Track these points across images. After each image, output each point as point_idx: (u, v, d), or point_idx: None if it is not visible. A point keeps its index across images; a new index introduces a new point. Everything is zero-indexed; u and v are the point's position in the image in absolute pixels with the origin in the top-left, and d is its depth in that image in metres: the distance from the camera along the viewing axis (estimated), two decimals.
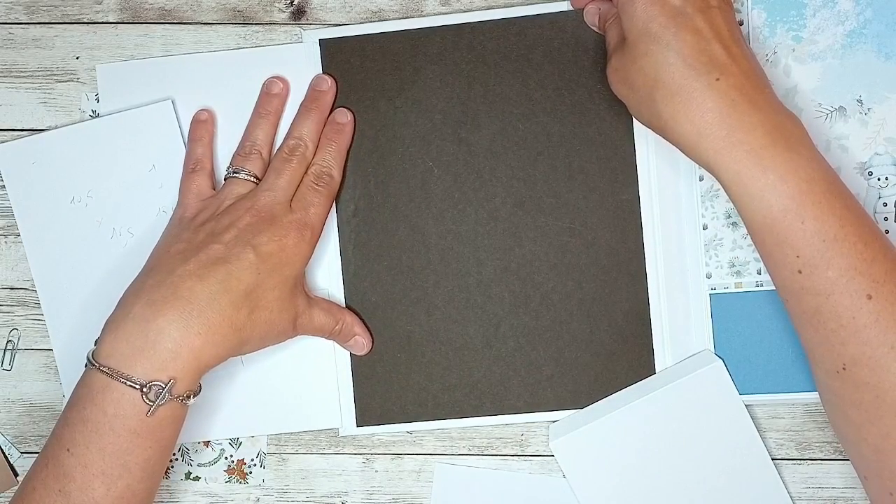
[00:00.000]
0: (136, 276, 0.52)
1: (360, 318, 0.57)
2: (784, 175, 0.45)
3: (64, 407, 0.50)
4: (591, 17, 0.55)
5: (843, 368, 0.46)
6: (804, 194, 0.45)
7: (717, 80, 0.46)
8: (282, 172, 0.54)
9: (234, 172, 0.55)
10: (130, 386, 0.47)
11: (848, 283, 0.45)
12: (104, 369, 0.48)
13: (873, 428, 0.46)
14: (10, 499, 0.58)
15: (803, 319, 0.47)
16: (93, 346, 0.50)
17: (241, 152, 0.56)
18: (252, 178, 0.55)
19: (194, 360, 0.48)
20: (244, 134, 0.57)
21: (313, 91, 0.56)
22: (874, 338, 0.45)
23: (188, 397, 0.49)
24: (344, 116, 0.56)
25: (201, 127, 0.57)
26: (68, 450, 0.48)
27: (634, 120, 0.55)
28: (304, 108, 0.56)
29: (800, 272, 0.46)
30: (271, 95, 0.56)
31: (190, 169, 0.57)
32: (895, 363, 0.45)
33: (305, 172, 0.55)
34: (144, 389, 0.47)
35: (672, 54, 0.46)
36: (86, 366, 0.50)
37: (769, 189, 0.45)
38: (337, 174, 0.56)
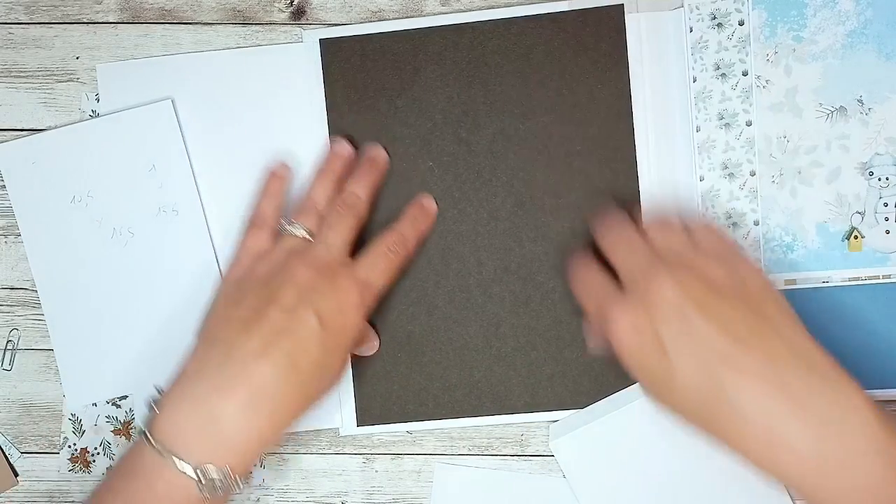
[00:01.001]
0: (196, 341, 0.51)
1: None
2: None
3: (110, 472, 0.50)
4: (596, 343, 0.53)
5: None
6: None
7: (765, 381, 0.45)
8: (337, 227, 0.54)
9: (289, 226, 0.54)
10: (183, 471, 0.47)
11: None
12: (160, 447, 0.47)
13: None
14: (10, 500, 0.60)
15: None
16: (147, 412, 0.50)
17: (299, 207, 0.56)
18: (307, 234, 0.54)
19: (258, 444, 0.48)
20: (307, 191, 0.56)
21: (368, 157, 0.57)
22: None
23: (239, 483, 0.49)
24: (431, 204, 0.57)
25: (276, 182, 0.57)
26: None
27: (635, 119, 0.56)
28: (361, 169, 0.56)
29: None
30: (337, 156, 0.57)
31: (253, 224, 0.56)
32: None
33: (381, 239, 0.55)
34: (199, 475, 0.47)
35: (697, 370, 0.46)
36: (140, 433, 0.49)
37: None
38: (411, 249, 0.56)
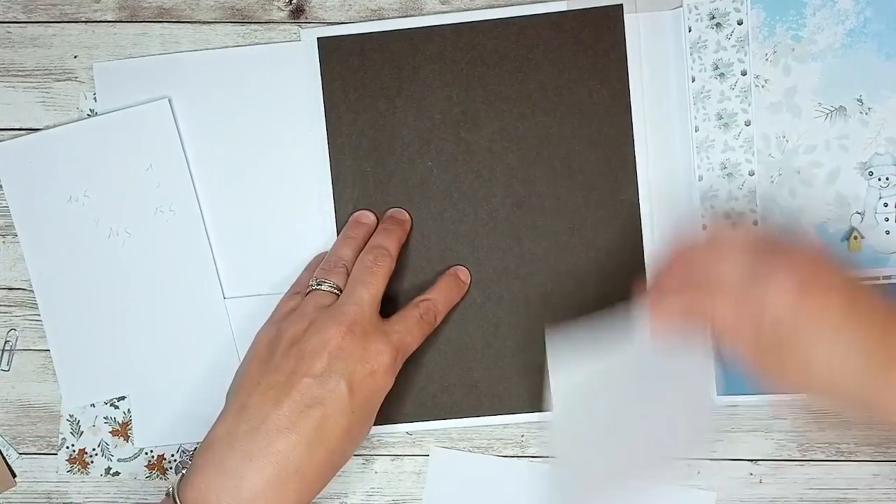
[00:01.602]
0: (228, 402, 0.52)
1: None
2: None
3: None
4: (671, 315, 0.50)
5: None
6: None
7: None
8: (367, 285, 0.54)
9: (317, 284, 0.55)
10: None
11: None
12: None
13: None
14: (8, 501, 0.61)
15: None
16: (177, 478, 0.51)
17: (326, 266, 0.56)
18: (335, 291, 0.54)
19: None
20: (330, 252, 0.57)
21: (393, 217, 0.58)
22: None
23: None
24: (466, 276, 0.58)
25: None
26: None
27: (634, 119, 0.58)
28: (386, 224, 0.58)
29: None
30: (360, 224, 0.58)
31: (292, 289, 0.57)
32: None
33: (414, 306, 0.55)
34: None
35: (860, 352, 0.45)
36: (168, 494, 0.50)
37: None
38: (443, 313, 0.57)
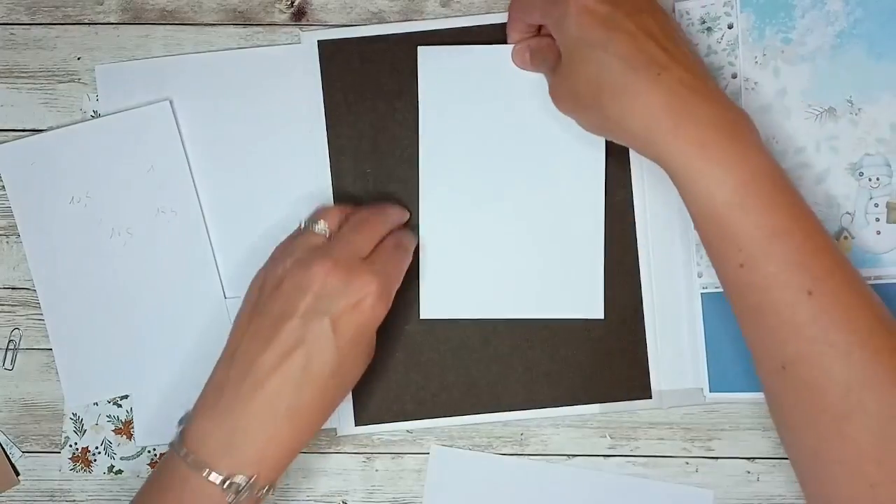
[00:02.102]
0: (221, 354, 0.55)
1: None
2: (729, 168, 0.48)
3: (144, 484, 0.54)
4: (521, 54, 0.59)
5: (783, 368, 0.48)
6: (748, 187, 0.48)
7: (659, 75, 0.49)
8: (359, 229, 0.56)
9: (308, 225, 0.57)
10: (211, 482, 0.51)
11: (789, 278, 0.47)
12: (188, 460, 0.51)
13: (811, 431, 0.48)
14: (11, 499, 0.62)
15: (745, 316, 0.50)
16: (177, 427, 0.54)
17: (321, 209, 0.59)
18: (327, 232, 0.56)
19: (283, 454, 0.52)
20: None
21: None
22: (814, 335, 0.47)
23: (267, 491, 0.53)
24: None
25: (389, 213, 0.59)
26: None
27: None
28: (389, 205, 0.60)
29: (741, 266, 0.48)
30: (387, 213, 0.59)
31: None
32: (834, 362, 0.47)
33: (386, 242, 0.57)
34: (225, 486, 0.51)
35: (611, 56, 0.50)
36: (170, 445, 0.54)
37: (714, 181, 0.48)
38: (411, 249, 0.58)
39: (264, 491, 0.53)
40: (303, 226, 0.58)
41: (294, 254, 0.55)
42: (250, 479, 0.51)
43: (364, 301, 0.53)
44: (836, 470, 0.47)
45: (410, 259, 0.59)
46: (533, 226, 0.60)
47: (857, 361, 0.47)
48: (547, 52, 0.57)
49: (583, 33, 0.51)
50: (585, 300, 0.60)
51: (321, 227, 0.57)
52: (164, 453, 0.55)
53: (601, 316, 0.60)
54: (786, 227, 0.48)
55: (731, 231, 0.49)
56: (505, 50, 0.60)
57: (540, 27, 0.58)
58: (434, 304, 0.61)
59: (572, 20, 0.51)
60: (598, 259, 0.60)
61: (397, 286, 0.56)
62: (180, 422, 0.55)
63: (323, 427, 0.61)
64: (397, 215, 0.60)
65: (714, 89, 0.51)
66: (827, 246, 0.49)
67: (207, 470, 0.51)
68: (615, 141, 0.54)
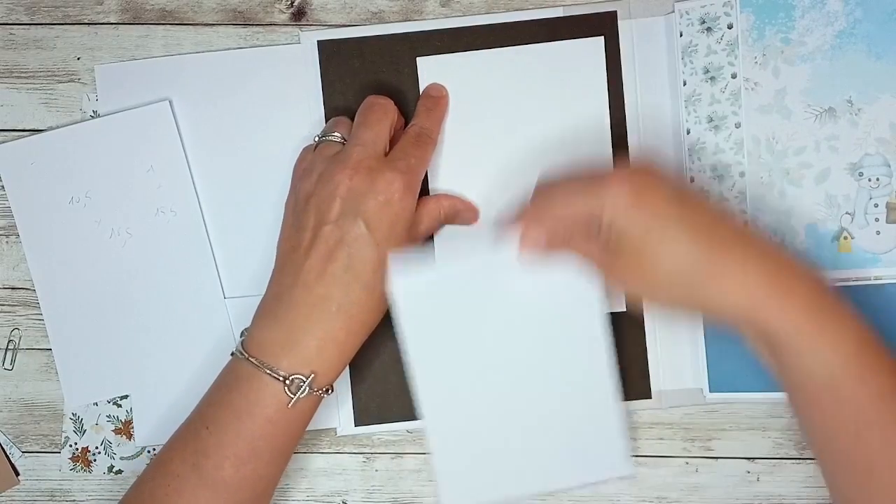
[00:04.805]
0: (272, 272, 0.58)
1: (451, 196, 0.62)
2: (840, 331, 0.49)
3: (208, 389, 0.57)
4: (534, 243, 0.54)
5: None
6: (861, 350, 0.49)
7: (747, 248, 0.50)
8: (369, 126, 0.58)
9: (323, 136, 0.59)
10: (274, 377, 0.54)
11: None
12: (252, 360, 0.55)
13: None
14: (11, 499, 0.64)
15: (853, 477, 0.50)
16: (239, 338, 0.58)
17: (331, 121, 0.61)
18: (341, 140, 0.59)
19: (338, 353, 0.56)
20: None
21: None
22: None
23: (325, 392, 0.56)
24: (439, 91, 0.62)
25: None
26: (207, 428, 0.55)
27: (627, 122, 0.61)
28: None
29: (856, 434, 0.49)
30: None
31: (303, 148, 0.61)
32: None
33: (406, 133, 0.59)
34: (287, 382, 0.54)
35: (690, 243, 0.50)
36: (232, 354, 0.57)
37: (829, 347, 0.49)
38: (435, 137, 0.60)
39: (323, 391, 0.56)
40: (318, 139, 0.60)
41: (316, 168, 0.58)
42: (309, 377, 0.55)
43: (392, 197, 0.56)
44: None
45: (434, 143, 0.61)
46: (542, 396, 0.58)
47: None
48: (580, 241, 0.54)
49: (649, 224, 0.51)
50: (611, 458, 0.59)
51: (336, 136, 0.59)
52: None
53: (632, 472, 0.59)
54: (891, 386, 0.50)
55: (851, 397, 0.49)
56: (480, 263, 0.56)
57: None
58: (455, 495, 0.59)
59: (633, 214, 0.51)
60: (615, 415, 0.58)
61: (423, 173, 0.59)
62: (241, 334, 0.58)
63: (323, 427, 0.63)
64: (437, 119, 0.62)
65: (784, 250, 0.52)
66: None
67: (270, 368, 0.54)
68: (694, 313, 0.56)
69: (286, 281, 0.56)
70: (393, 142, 0.59)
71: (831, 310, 0.50)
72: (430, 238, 0.63)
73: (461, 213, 0.62)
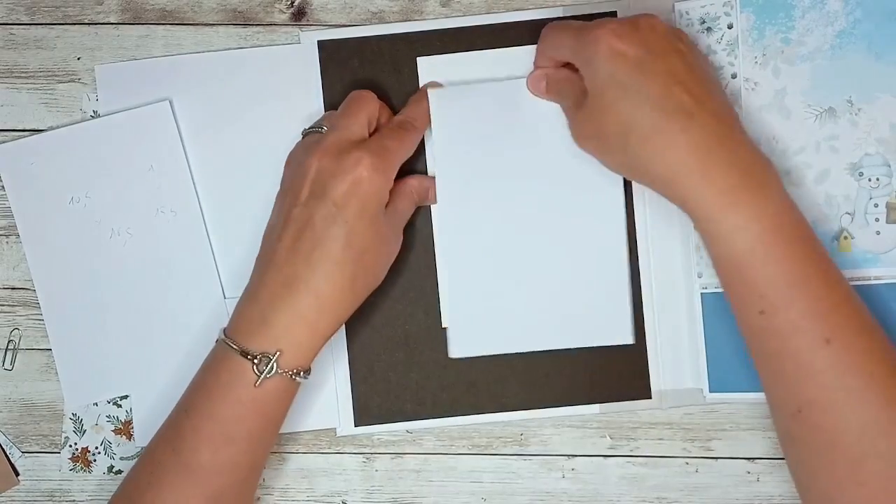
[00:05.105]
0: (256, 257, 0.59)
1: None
2: (753, 216, 0.50)
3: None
4: (538, 82, 0.60)
5: (799, 411, 0.51)
6: (771, 236, 0.50)
7: (689, 120, 0.51)
8: (346, 115, 0.59)
9: (308, 129, 0.60)
10: (243, 356, 0.55)
11: (808, 325, 0.50)
12: (227, 341, 0.56)
13: (825, 474, 0.51)
14: (11, 499, 0.64)
15: (763, 361, 0.53)
16: (223, 326, 0.58)
17: (323, 114, 0.62)
18: (323, 129, 0.59)
19: (308, 332, 0.56)
20: None
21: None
22: (830, 382, 0.50)
23: (297, 374, 0.56)
24: (435, 85, 0.62)
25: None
26: (186, 411, 0.56)
27: None
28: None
29: (762, 313, 0.51)
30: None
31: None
32: (850, 409, 0.49)
33: (390, 122, 0.60)
34: (255, 361, 0.54)
35: (641, 100, 0.52)
36: (216, 341, 0.57)
37: (738, 229, 0.50)
38: (420, 126, 0.61)
39: (294, 373, 0.56)
40: (304, 130, 0.61)
41: (296, 157, 0.59)
42: (275, 356, 0.55)
43: (360, 175, 0.56)
44: None
45: (418, 133, 0.61)
46: (555, 254, 0.62)
47: (873, 407, 0.49)
48: (567, 86, 0.58)
49: (613, 76, 0.53)
50: (614, 326, 0.62)
51: (321, 128, 0.59)
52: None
53: (631, 341, 0.62)
54: (806, 275, 0.51)
55: (753, 278, 0.51)
56: (514, 84, 0.62)
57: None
58: (462, 343, 0.62)
59: (603, 62, 0.53)
60: (624, 284, 0.61)
61: (399, 157, 0.59)
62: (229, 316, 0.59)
63: (323, 427, 0.64)
64: (424, 110, 0.62)
65: (740, 136, 0.53)
66: (846, 295, 0.51)
67: (240, 347, 0.55)
68: (635, 181, 0.57)
69: (261, 263, 0.57)
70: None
71: (754, 192, 0.50)
72: (431, 240, 0.63)
73: (430, 189, 0.62)
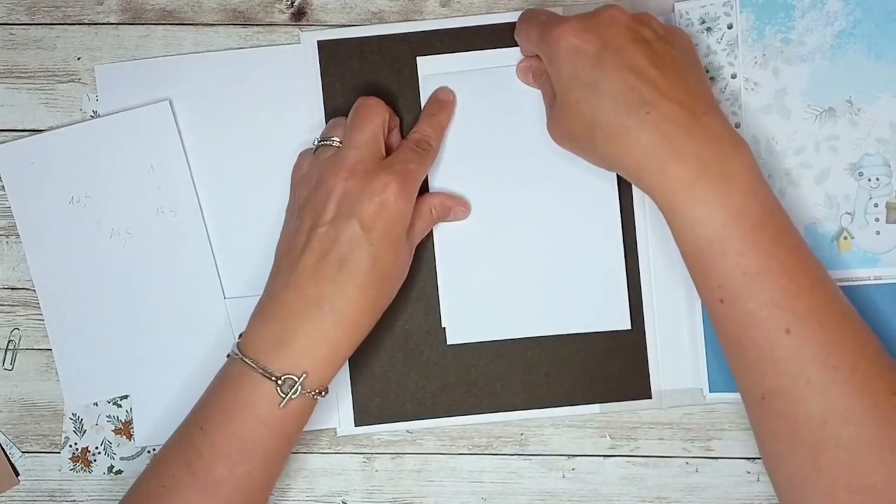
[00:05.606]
0: (270, 272, 0.59)
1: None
2: (713, 208, 0.50)
3: (205, 390, 0.57)
4: (524, 73, 0.62)
5: (763, 398, 0.51)
6: (729, 228, 0.50)
7: (648, 113, 0.51)
8: (362, 128, 0.58)
9: (321, 141, 0.60)
10: (266, 377, 0.54)
11: (766, 316, 0.50)
12: (245, 360, 0.55)
13: (787, 459, 0.51)
14: (11, 499, 0.64)
15: (727, 347, 0.53)
16: (236, 340, 0.58)
17: (329, 124, 0.61)
18: (339, 143, 0.59)
19: (331, 353, 0.56)
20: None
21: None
22: (791, 371, 0.50)
23: (319, 393, 0.56)
24: (447, 95, 0.63)
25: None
26: (201, 428, 0.56)
27: None
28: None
29: (721, 301, 0.51)
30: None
31: (300, 154, 0.62)
32: (811, 398, 0.50)
33: (404, 139, 0.61)
34: (279, 382, 0.54)
35: (602, 96, 0.52)
36: (228, 356, 0.57)
37: (697, 221, 0.51)
38: (436, 145, 0.61)
39: (316, 393, 0.56)
40: (316, 143, 0.61)
41: (313, 173, 0.59)
42: (301, 377, 0.55)
43: (387, 199, 0.56)
44: (811, 498, 0.51)
45: (434, 151, 0.61)
46: (552, 241, 0.62)
47: (835, 397, 0.50)
48: (546, 82, 0.59)
49: (573, 73, 0.54)
50: (611, 311, 0.62)
51: (333, 140, 0.59)
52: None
53: (628, 326, 0.62)
54: (764, 267, 0.51)
55: (712, 269, 0.51)
56: (508, 72, 0.63)
57: None
58: (460, 329, 0.63)
59: (564, 61, 0.54)
60: (619, 269, 0.62)
61: (420, 178, 0.60)
62: (238, 336, 0.58)
63: (323, 427, 0.64)
64: (438, 125, 0.62)
65: (707, 123, 0.52)
66: (813, 286, 0.51)
67: (261, 367, 0.55)
68: (606, 168, 0.57)
69: (280, 281, 0.57)
70: (387, 140, 0.60)
71: (714, 184, 0.50)
72: (431, 240, 0.64)
73: (452, 209, 0.62)
